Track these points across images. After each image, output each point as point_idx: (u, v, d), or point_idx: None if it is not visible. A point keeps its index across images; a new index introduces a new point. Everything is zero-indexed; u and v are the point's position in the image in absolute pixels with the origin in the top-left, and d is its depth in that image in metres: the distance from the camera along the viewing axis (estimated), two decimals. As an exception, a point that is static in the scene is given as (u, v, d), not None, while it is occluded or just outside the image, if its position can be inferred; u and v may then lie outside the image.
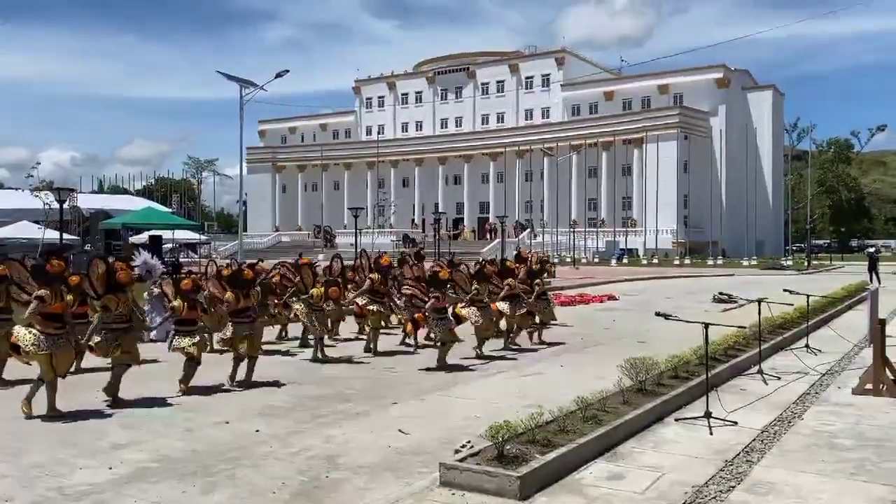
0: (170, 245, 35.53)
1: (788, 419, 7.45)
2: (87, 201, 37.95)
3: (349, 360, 11.19)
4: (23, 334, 7.51)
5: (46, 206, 25.10)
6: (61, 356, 7.53)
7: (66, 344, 7.58)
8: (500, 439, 5.48)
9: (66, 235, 19.81)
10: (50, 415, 7.43)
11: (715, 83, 65.09)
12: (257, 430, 7.00)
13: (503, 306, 12.13)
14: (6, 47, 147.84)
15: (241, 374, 9.21)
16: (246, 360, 9.23)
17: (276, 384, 9.25)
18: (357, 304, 12.20)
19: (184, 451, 6.37)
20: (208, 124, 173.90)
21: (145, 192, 71.73)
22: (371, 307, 12.01)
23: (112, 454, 6.26)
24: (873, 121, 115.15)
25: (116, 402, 8.05)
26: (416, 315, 10.82)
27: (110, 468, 5.87)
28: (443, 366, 10.33)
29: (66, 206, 17.81)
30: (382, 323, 12.75)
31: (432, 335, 11.22)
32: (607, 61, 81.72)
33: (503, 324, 12.40)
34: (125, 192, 74.35)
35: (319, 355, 11.18)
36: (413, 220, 73.20)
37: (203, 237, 46.58)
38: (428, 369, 10.24)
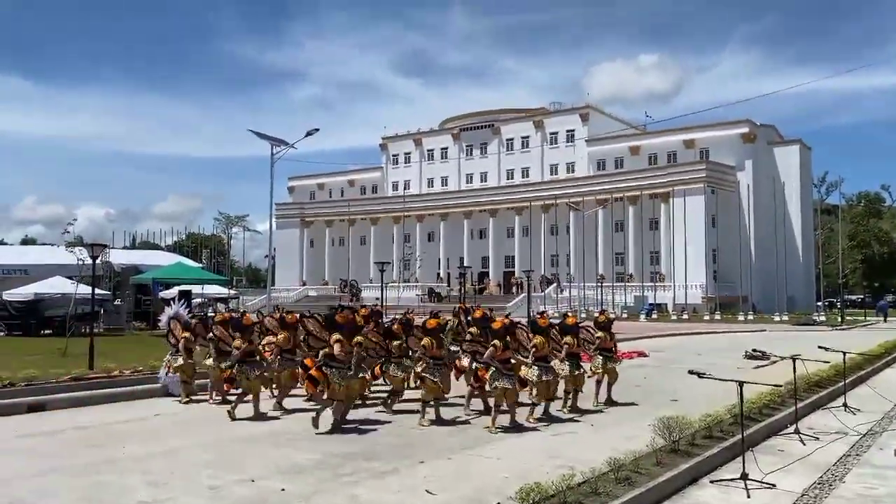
0: (199, 300, 35.84)
1: (829, 482, 7.19)
2: (119, 256, 38.51)
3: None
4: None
5: (80, 262, 25.59)
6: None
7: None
8: (531, 501, 5.35)
9: (97, 290, 20.10)
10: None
11: (741, 138, 65.09)
12: (283, 489, 6.91)
13: (564, 366, 11.27)
14: (44, 108, 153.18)
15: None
16: (335, 404, 9.80)
17: (302, 439, 9.16)
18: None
19: (208, 509, 6.29)
20: (240, 181, 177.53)
21: (176, 248, 72.90)
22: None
23: (136, 512, 6.20)
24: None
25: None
26: (478, 370, 10.45)
27: (135, 527, 5.80)
28: (507, 427, 9.83)
29: (98, 261, 18.07)
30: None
31: (488, 388, 10.14)
32: (632, 116, 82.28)
33: (562, 385, 11.39)
34: (156, 247, 75.66)
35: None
36: (438, 274, 73.22)
37: (231, 292, 46.96)
38: (457, 424, 10.06)
